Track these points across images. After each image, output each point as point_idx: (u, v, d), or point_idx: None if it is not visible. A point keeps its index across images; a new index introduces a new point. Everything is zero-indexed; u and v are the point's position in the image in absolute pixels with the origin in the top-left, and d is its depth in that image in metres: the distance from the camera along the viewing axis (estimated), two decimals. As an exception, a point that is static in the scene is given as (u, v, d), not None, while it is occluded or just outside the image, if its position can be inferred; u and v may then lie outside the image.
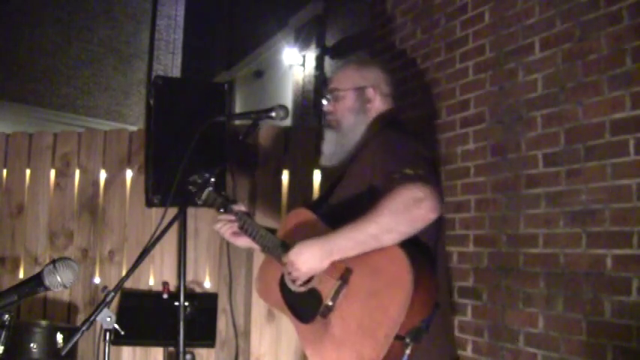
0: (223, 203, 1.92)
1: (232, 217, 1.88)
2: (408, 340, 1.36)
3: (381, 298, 1.38)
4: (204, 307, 3.01)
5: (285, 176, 3.25)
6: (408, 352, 1.36)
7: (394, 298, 1.35)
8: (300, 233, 1.67)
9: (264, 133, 3.25)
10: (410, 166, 1.47)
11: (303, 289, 1.59)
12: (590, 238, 1.97)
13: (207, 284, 3.23)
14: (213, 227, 1.93)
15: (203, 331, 2.94)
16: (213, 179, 1.92)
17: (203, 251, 3.22)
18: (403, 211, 1.39)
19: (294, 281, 1.60)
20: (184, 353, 2.33)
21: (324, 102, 1.88)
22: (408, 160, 1.51)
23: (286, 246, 1.68)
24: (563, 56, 2.13)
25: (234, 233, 1.90)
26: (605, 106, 1.96)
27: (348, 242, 1.45)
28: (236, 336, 3.12)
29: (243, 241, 1.91)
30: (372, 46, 3.32)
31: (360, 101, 1.81)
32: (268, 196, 3.22)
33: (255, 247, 1.86)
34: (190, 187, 1.96)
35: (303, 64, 9.77)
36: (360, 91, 1.81)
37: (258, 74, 11.69)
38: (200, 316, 2.96)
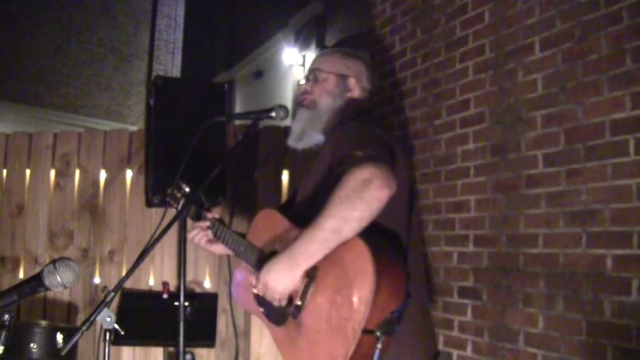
0: (197, 213, 1.94)
1: (207, 224, 1.89)
2: (378, 334, 1.32)
3: (346, 293, 1.34)
4: (204, 307, 3.01)
5: (285, 176, 3.25)
6: (379, 345, 1.32)
7: (358, 291, 1.31)
8: (268, 234, 1.66)
9: (264, 133, 3.25)
10: (360, 148, 1.44)
11: None
12: (590, 238, 1.98)
13: (207, 284, 3.24)
14: (188, 236, 1.94)
15: (203, 331, 2.94)
16: (188, 189, 1.93)
17: (203, 251, 3.22)
18: (354, 196, 1.35)
19: (279, 301, 1.55)
20: (184, 353, 2.33)
21: (303, 81, 1.87)
22: (359, 143, 1.47)
23: (256, 250, 1.68)
24: (563, 56, 2.13)
25: (210, 241, 1.91)
26: (605, 106, 1.96)
27: (311, 246, 1.40)
28: (236, 336, 3.12)
29: (219, 248, 1.91)
30: (372, 46, 3.32)
31: (340, 88, 1.79)
32: (268, 196, 3.22)
33: (231, 252, 1.86)
34: (168, 200, 1.98)
35: (303, 64, 9.75)
36: (343, 78, 1.80)
37: (258, 74, 11.67)
38: (200, 316, 2.96)
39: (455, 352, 2.54)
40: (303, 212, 1.62)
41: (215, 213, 1.94)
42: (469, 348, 2.47)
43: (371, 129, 1.62)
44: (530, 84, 2.26)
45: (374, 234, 1.39)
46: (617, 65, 1.93)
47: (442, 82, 2.73)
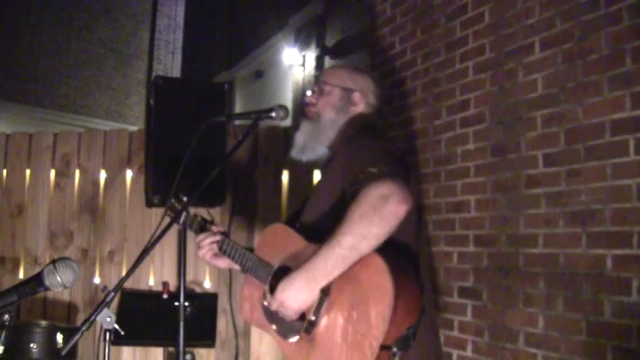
0: (200, 226, 1.91)
1: (217, 238, 1.85)
2: (395, 350, 1.32)
3: (363, 309, 1.33)
4: (204, 307, 3.01)
5: (285, 176, 3.25)
6: None
7: (376, 307, 1.30)
8: (279, 250, 1.64)
9: (264, 133, 3.25)
10: (374, 165, 1.43)
11: None
12: (590, 238, 1.97)
13: (207, 284, 3.23)
14: (198, 254, 1.89)
15: (203, 331, 2.94)
16: (185, 199, 1.90)
17: (203, 251, 3.22)
18: (372, 212, 1.34)
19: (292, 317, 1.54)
20: (184, 353, 2.32)
21: (308, 93, 1.86)
22: (372, 159, 1.47)
23: (266, 265, 1.66)
24: (563, 56, 2.13)
25: (215, 255, 1.87)
26: (605, 106, 1.96)
27: (328, 263, 1.39)
28: (236, 336, 3.12)
29: (224, 263, 1.87)
30: (372, 46, 3.32)
31: (344, 101, 1.79)
32: (268, 196, 3.22)
33: (236, 267, 1.82)
34: (169, 213, 1.95)
35: (303, 64, 9.76)
36: (348, 92, 1.79)
37: (258, 74, 11.68)
38: (200, 316, 2.96)
39: (455, 352, 2.54)
40: (314, 228, 1.62)
41: (220, 227, 1.91)
42: (469, 348, 2.47)
43: (381, 144, 1.61)
44: (530, 84, 2.26)
45: (388, 249, 1.38)
46: (617, 65, 1.93)
47: (442, 82, 2.73)
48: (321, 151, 1.79)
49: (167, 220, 1.72)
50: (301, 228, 1.69)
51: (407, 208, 1.36)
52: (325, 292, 1.43)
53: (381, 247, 1.37)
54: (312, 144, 1.79)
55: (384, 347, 1.31)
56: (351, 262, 1.37)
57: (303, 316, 1.49)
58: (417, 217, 1.63)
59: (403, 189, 1.37)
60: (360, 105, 1.80)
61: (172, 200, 1.95)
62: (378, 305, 1.30)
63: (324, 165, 1.79)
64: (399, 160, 1.55)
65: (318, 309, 1.44)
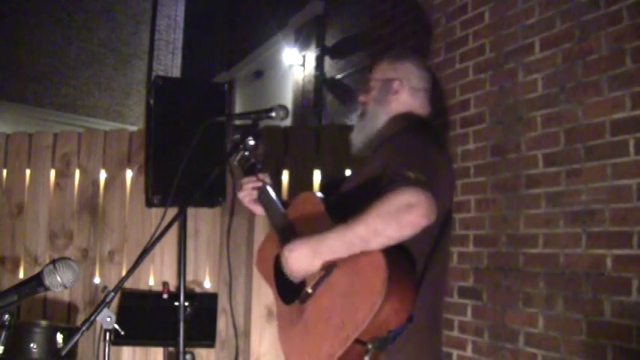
0: (249, 170, 1.93)
1: (258, 184, 1.89)
2: (369, 347, 1.37)
3: (352, 300, 1.38)
4: (204, 307, 3.01)
5: (285, 176, 3.25)
6: (367, 358, 1.38)
7: (363, 302, 1.35)
8: (304, 220, 1.68)
9: (264, 133, 3.25)
10: (413, 170, 1.46)
11: None
12: (590, 238, 1.97)
13: (207, 284, 3.24)
14: (238, 195, 1.94)
15: (203, 331, 2.94)
16: (252, 142, 1.91)
17: (203, 251, 3.22)
18: (393, 215, 1.37)
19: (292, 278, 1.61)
20: (184, 353, 2.33)
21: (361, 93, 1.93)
22: (414, 164, 1.49)
23: (289, 226, 1.71)
24: (563, 56, 2.13)
25: (253, 200, 1.92)
26: (605, 106, 1.96)
27: (337, 243, 1.45)
28: (236, 336, 3.12)
29: (259, 210, 1.93)
30: (372, 46, 3.32)
31: (384, 92, 1.83)
32: (268, 196, 3.22)
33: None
34: (229, 145, 1.98)
35: (303, 64, 9.76)
36: (388, 82, 1.83)
37: (258, 74, 11.69)
38: (200, 316, 2.96)
39: (455, 352, 2.54)
40: (344, 207, 1.64)
41: (267, 177, 1.93)
42: (469, 348, 2.47)
43: (428, 148, 1.64)
44: (530, 84, 2.26)
45: (396, 253, 1.42)
46: (617, 65, 1.93)
47: (442, 82, 2.73)
48: (373, 142, 1.82)
49: (167, 219, 1.71)
50: (335, 202, 1.71)
51: (427, 222, 1.39)
52: (328, 272, 1.48)
53: (390, 249, 1.40)
54: (362, 138, 1.85)
55: (360, 342, 1.37)
56: (355, 250, 1.42)
57: (303, 286, 1.55)
58: (440, 230, 1.64)
59: (430, 203, 1.39)
60: (402, 92, 1.82)
61: (238, 136, 1.92)
62: (366, 303, 1.35)
63: (372, 151, 1.82)
64: (437, 170, 1.58)
65: (317, 285, 1.51)
